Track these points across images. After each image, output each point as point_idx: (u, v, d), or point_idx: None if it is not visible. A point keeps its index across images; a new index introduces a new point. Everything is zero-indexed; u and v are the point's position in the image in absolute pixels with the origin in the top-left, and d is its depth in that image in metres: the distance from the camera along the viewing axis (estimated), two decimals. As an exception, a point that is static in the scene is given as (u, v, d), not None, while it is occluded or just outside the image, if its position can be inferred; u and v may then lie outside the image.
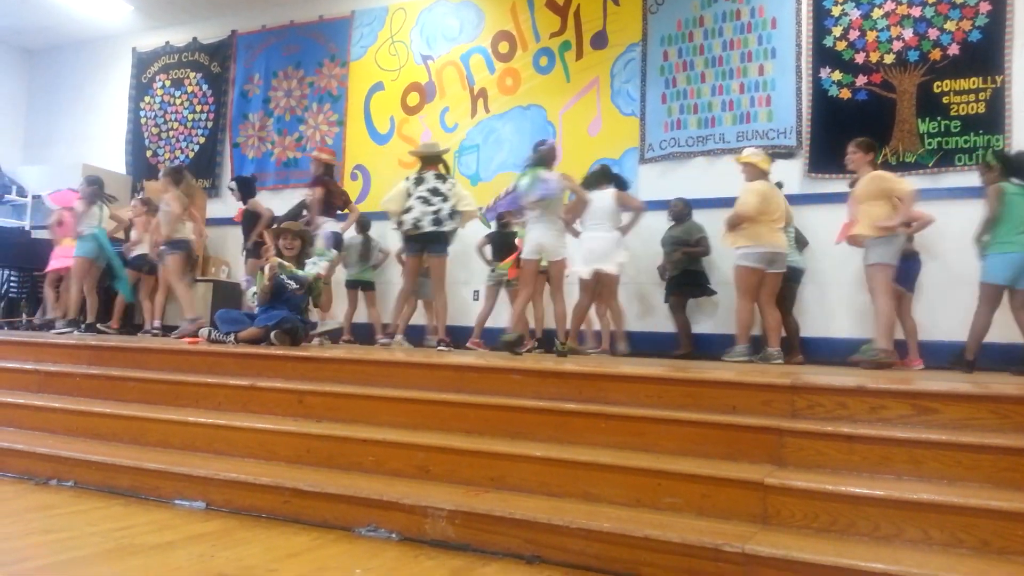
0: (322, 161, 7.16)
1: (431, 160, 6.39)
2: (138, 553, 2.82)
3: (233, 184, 7.85)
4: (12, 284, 9.00)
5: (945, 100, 6.55)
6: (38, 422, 4.59)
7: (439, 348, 6.33)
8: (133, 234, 8.08)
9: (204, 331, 6.01)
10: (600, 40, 7.96)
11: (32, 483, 3.94)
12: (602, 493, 3.10)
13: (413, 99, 8.87)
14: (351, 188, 8.81)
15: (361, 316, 8.03)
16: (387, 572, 2.71)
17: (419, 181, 6.27)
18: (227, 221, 8.18)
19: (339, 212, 7.16)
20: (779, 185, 6.31)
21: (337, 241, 7.01)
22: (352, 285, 8.05)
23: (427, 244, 6.27)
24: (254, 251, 7.33)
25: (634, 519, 2.85)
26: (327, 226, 6.88)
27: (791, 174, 6.91)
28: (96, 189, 7.59)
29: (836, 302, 6.71)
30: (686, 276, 6.83)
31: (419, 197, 6.20)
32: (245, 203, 7.63)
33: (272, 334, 5.54)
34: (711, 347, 6.59)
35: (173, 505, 3.55)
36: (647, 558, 2.68)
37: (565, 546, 2.81)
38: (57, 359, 5.46)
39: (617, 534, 2.75)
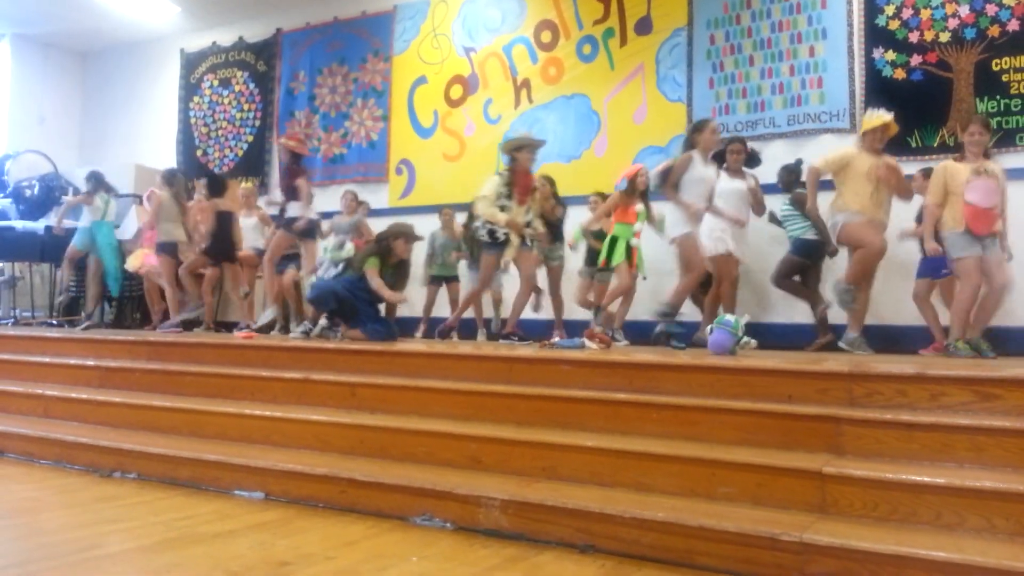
0: (289, 149, 6.98)
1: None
2: (201, 541, 2.90)
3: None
4: (72, 283, 9.24)
5: (1005, 78, 6.33)
6: (101, 416, 4.73)
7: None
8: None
9: (316, 326, 6.26)
10: (644, 26, 7.87)
11: (97, 475, 4.07)
12: (655, 483, 3.09)
13: (456, 91, 8.88)
14: (396, 182, 8.88)
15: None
16: (443, 560, 2.74)
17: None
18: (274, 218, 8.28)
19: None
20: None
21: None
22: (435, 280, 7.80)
23: None
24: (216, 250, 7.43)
25: (688, 509, 2.83)
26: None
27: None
28: (95, 183, 7.97)
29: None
30: None
31: None
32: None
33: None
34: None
35: (233, 495, 3.63)
36: (702, 547, 2.67)
37: (618, 535, 2.81)
38: (117, 355, 5.62)
39: (671, 523, 2.74)
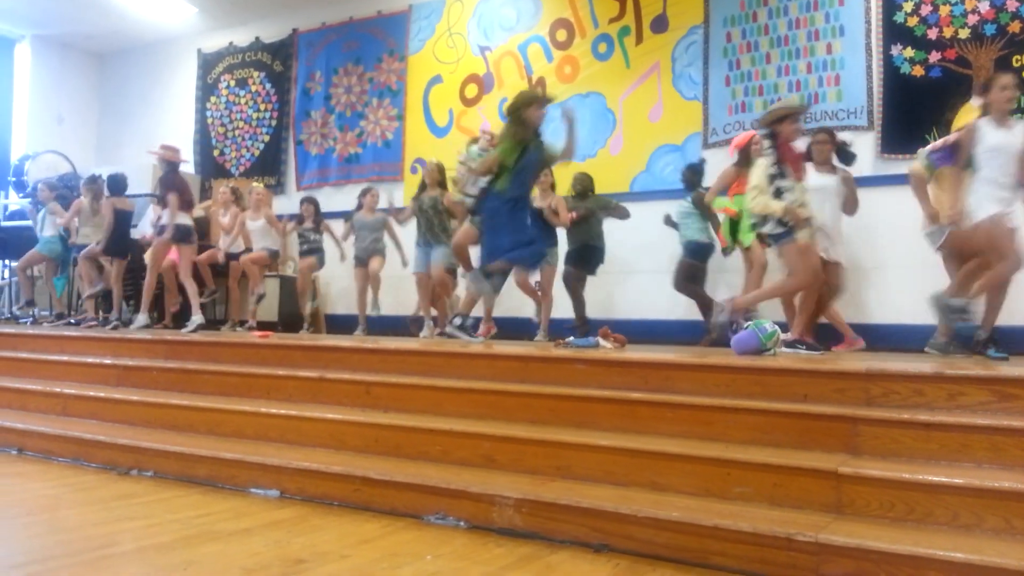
0: (166, 159, 7.12)
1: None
2: (218, 539, 2.91)
3: None
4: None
5: (1024, 74, 6.29)
6: (118, 414, 4.77)
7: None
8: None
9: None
10: (660, 24, 7.85)
11: (114, 473, 4.10)
12: (670, 482, 3.08)
13: (471, 91, 8.89)
14: (411, 181, 8.88)
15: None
16: (457, 559, 2.74)
17: None
18: (288, 217, 8.37)
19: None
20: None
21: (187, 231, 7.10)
22: None
23: None
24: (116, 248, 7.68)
25: (703, 508, 2.82)
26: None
27: (862, 155, 6.69)
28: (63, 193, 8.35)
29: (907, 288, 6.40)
30: (588, 250, 6.71)
31: None
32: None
33: None
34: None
35: (248, 493, 3.65)
36: (717, 547, 2.65)
37: (632, 535, 2.80)
38: (135, 354, 5.67)
39: (686, 523, 2.73)
